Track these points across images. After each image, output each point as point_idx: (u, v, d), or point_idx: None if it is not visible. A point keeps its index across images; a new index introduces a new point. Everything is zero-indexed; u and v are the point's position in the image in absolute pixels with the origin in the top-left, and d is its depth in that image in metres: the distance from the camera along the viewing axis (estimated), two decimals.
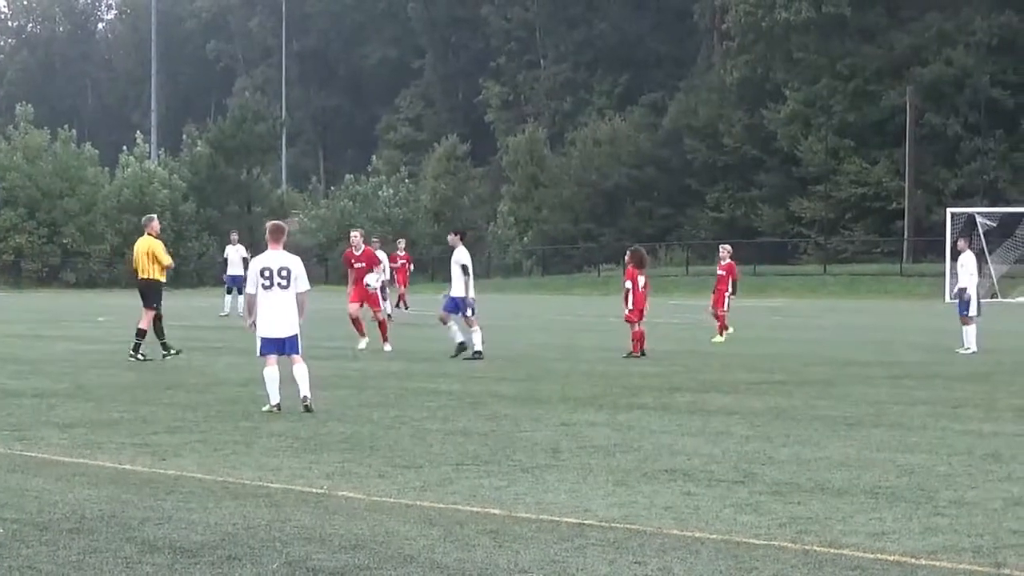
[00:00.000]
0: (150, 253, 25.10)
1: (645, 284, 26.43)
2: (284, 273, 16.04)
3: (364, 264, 27.65)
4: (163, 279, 25.42)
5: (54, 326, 37.41)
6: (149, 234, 25.36)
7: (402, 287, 45.54)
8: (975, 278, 27.95)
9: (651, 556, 8.43)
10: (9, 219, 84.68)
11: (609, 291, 76.58)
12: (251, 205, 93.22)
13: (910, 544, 8.78)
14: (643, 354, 25.51)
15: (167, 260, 25.30)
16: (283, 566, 8.15)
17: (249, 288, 16.33)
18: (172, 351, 24.80)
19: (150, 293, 25.04)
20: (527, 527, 9.32)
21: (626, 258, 27.39)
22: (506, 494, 10.57)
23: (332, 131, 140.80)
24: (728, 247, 32.48)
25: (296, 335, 16.16)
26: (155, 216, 26.42)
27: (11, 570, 8.05)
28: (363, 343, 27.00)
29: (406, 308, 44.38)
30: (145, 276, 25.15)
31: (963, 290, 27.72)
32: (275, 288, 16.02)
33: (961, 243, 29.13)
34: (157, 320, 24.86)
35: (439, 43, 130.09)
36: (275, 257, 16.21)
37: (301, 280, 16.21)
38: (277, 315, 16.05)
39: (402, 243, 46.90)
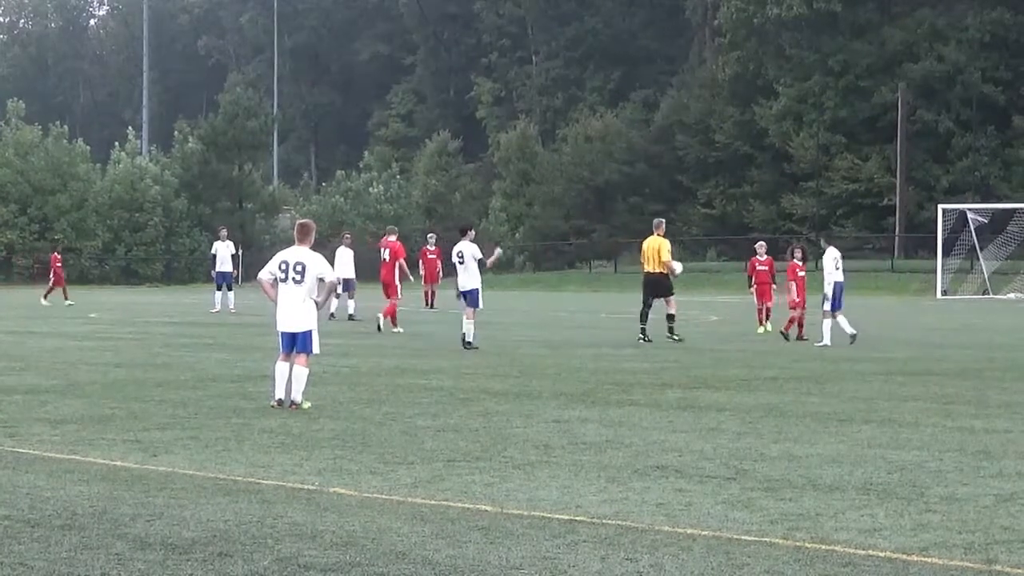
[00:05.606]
0: (658, 250, 28.87)
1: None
2: (299, 268, 16.23)
3: None
4: (666, 272, 29.02)
5: (45, 322, 37.35)
6: (658, 234, 29.07)
7: (431, 283, 44.65)
8: (831, 275, 28.39)
9: (643, 553, 8.43)
10: (0, 215, 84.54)
11: (600, 287, 76.62)
12: (242, 201, 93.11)
13: (901, 540, 8.79)
14: (787, 336, 29.88)
15: (666, 257, 28.83)
16: (274, 563, 8.14)
17: (261, 274, 16.63)
18: (675, 336, 28.61)
19: (662, 285, 28.89)
20: (518, 524, 9.31)
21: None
22: (497, 491, 10.56)
23: (324, 127, 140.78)
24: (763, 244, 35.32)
25: (310, 331, 16.30)
26: (663, 221, 30.34)
27: (2, 567, 8.04)
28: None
29: (432, 307, 43.83)
30: (653, 270, 28.90)
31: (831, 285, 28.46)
32: (289, 282, 16.27)
33: (823, 243, 30.25)
34: (647, 308, 28.91)
35: (431, 39, 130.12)
36: (295, 253, 16.45)
37: (327, 272, 16.46)
38: (290, 309, 16.26)
39: (432, 238, 45.38)
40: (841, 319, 28.26)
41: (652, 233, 29.37)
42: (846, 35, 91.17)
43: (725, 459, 12.18)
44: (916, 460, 12.15)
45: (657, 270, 28.94)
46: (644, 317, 28.81)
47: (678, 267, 29.38)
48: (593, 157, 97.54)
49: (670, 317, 28.81)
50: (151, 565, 8.09)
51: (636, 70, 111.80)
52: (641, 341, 28.39)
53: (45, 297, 51.26)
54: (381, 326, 31.82)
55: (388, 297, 32.99)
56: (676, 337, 28.54)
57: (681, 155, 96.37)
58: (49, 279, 53.15)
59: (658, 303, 29.12)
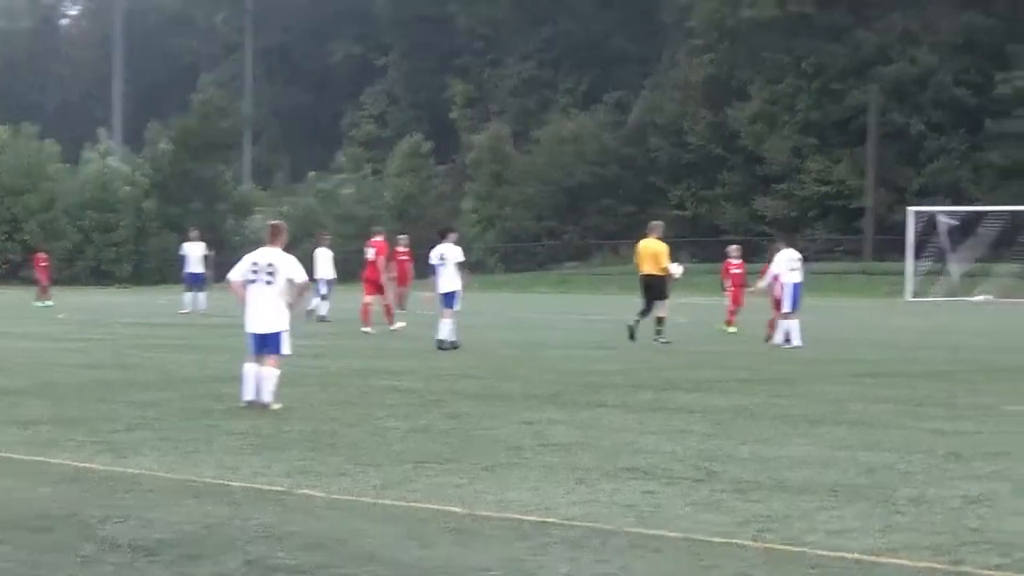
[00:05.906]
0: (655, 254, 29.05)
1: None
2: (270, 269, 16.17)
3: None
4: (664, 275, 29.32)
5: (15, 323, 37.20)
6: (653, 237, 29.32)
7: (403, 286, 44.60)
8: (786, 275, 28.75)
9: (612, 554, 8.43)
10: None
11: (570, 289, 76.71)
12: (214, 202, 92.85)
13: (870, 542, 8.80)
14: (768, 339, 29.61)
15: (665, 263, 29.04)
16: (243, 564, 8.12)
17: (231, 274, 16.58)
18: (663, 340, 28.31)
19: (657, 287, 29.06)
20: (488, 525, 9.30)
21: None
22: (467, 492, 10.55)
23: (296, 128, 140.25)
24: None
25: (279, 333, 16.23)
26: (662, 223, 30.59)
27: None
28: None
29: (402, 309, 43.85)
30: (648, 272, 29.11)
31: (783, 285, 28.68)
32: (259, 283, 16.20)
33: (780, 243, 30.62)
34: (648, 309, 29.08)
35: (404, 40, 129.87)
36: (266, 253, 16.40)
37: (297, 273, 16.27)
38: (259, 310, 16.19)
39: (404, 239, 45.44)
40: (790, 323, 28.39)
41: (646, 236, 29.58)
42: (819, 38, 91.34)
43: (695, 461, 12.18)
44: (885, 462, 12.17)
45: (652, 272, 29.14)
46: (642, 314, 29.02)
47: (677, 270, 29.59)
48: (565, 159, 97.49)
49: (659, 320, 28.84)
50: (119, 567, 8.05)
51: (609, 72, 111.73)
52: (629, 328, 28.57)
53: (47, 298, 50.79)
54: (395, 327, 32.00)
55: (370, 294, 33.08)
56: (664, 340, 28.40)
57: (653, 157, 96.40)
58: (41, 281, 52.61)
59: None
